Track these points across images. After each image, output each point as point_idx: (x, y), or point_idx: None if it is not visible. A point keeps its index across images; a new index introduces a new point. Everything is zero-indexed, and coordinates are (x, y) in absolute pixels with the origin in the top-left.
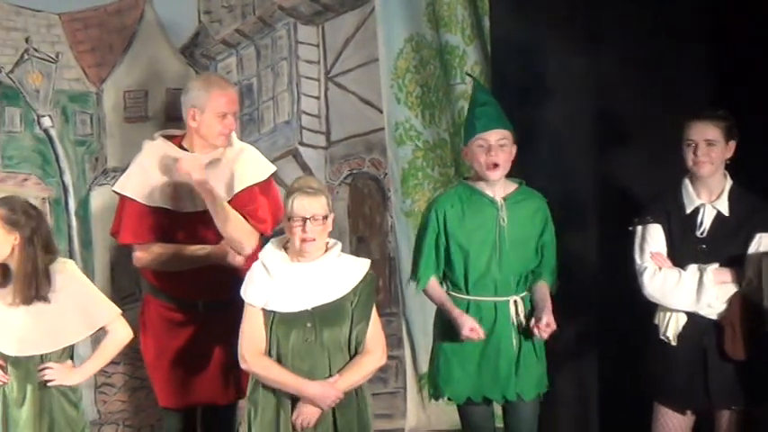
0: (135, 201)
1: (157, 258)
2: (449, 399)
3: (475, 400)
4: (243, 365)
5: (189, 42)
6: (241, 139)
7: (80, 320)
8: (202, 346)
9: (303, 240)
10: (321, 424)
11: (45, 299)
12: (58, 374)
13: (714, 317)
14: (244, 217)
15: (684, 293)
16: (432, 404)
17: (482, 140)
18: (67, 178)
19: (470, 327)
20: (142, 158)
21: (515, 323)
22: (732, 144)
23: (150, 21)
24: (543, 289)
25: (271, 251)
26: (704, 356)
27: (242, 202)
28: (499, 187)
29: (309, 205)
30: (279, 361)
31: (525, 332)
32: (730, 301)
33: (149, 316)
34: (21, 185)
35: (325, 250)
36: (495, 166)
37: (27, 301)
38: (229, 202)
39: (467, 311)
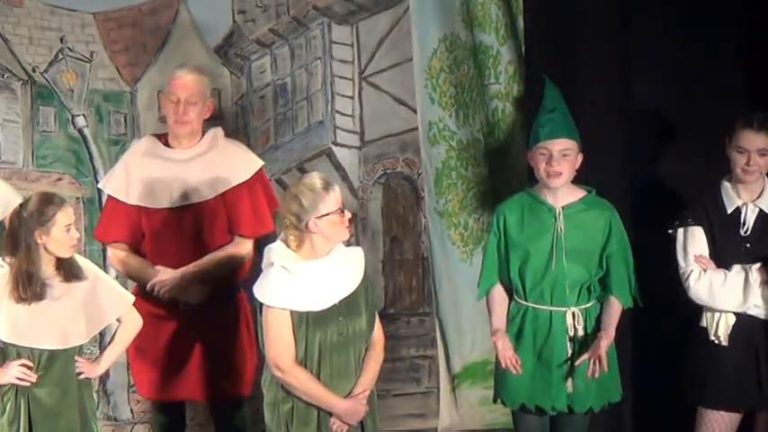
0: (113, 198)
1: (120, 265)
2: (503, 403)
3: (528, 406)
4: (277, 373)
5: (223, 42)
6: (275, 140)
7: (107, 307)
8: (183, 344)
9: (347, 228)
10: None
11: (81, 277)
12: (86, 367)
13: (763, 316)
14: (238, 215)
15: (731, 294)
16: (464, 404)
17: (544, 149)
18: (101, 178)
19: (509, 357)
20: (126, 156)
21: (572, 335)
22: None
23: (184, 20)
24: (610, 308)
25: (282, 253)
26: (756, 355)
27: (228, 201)
28: (562, 195)
29: (341, 195)
30: (317, 360)
31: (583, 345)
32: None
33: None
34: (54, 185)
35: None
36: (557, 174)
37: (68, 277)
38: (213, 200)
39: (524, 317)
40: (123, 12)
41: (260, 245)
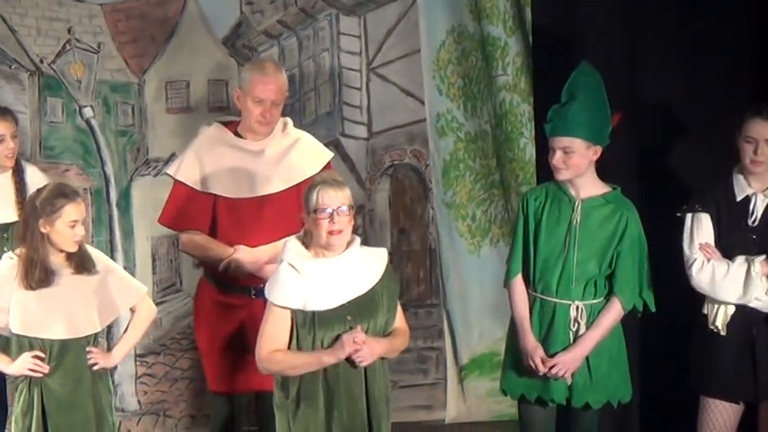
0: (185, 185)
1: (198, 250)
2: (504, 393)
3: (528, 397)
4: (259, 365)
5: (231, 33)
6: None
7: (119, 297)
8: (254, 333)
9: (330, 233)
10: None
11: (92, 268)
12: (101, 357)
13: (765, 309)
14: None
15: (733, 286)
16: (472, 395)
17: (550, 142)
18: (109, 169)
19: (540, 358)
20: (197, 144)
21: (574, 329)
22: None
23: (192, 11)
24: (608, 307)
25: (294, 250)
26: (753, 347)
27: (301, 192)
28: (585, 187)
29: (335, 196)
30: None
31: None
32: None
33: (202, 301)
34: (62, 176)
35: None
36: (558, 169)
37: (79, 268)
38: (287, 190)
39: (531, 309)
40: (131, 3)
41: None
